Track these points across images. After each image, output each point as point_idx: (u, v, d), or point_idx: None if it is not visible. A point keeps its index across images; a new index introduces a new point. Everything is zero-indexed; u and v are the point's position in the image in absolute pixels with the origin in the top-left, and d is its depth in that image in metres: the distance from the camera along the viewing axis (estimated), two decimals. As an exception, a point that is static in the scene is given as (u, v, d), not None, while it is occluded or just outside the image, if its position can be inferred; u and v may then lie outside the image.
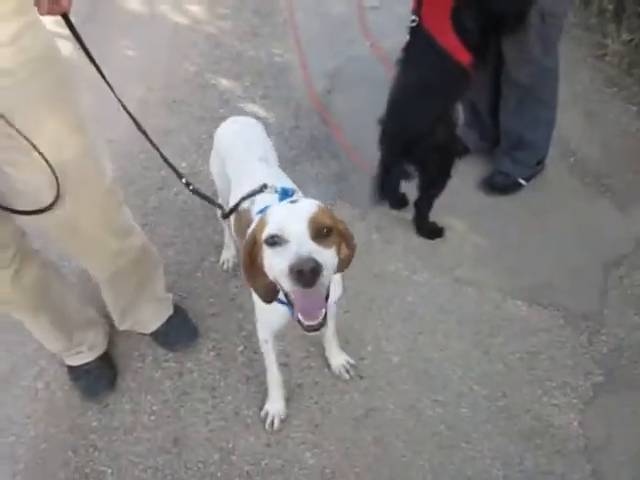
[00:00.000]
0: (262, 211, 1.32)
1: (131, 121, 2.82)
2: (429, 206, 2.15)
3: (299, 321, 1.08)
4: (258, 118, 2.76)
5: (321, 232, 1.06)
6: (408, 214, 2.25)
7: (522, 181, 2.34)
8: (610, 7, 2.98)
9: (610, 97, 2.77)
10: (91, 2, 3.60)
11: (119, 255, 1.55)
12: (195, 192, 1.56)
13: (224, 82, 3.03)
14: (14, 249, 1.43)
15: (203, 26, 3.50)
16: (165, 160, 1.54)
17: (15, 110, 1.14)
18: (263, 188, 1.39)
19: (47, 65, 1.19)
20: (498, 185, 2.35)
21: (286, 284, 1.02)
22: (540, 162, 2.35)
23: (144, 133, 1.47)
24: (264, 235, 1.08)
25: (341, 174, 2.49)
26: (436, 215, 2.22)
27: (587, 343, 1.92)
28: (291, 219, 1.07)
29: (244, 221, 1.44)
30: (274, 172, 1.58)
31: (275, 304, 1.30)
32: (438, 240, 2.22)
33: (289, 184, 1.49)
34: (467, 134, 2.47)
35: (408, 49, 1.86)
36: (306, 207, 1.10)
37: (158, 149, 1.51)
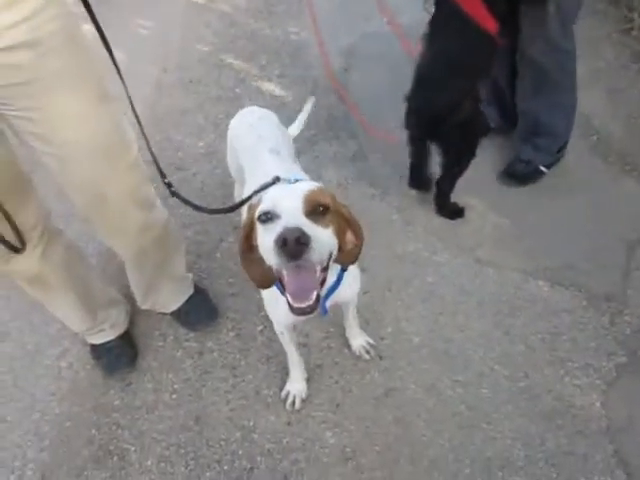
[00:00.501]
0: None
1: (147, 103, 2.84)
2: (452, 185, 2.12)
3: (288, 303, 1.03)
4: (275, 97, 2.77)
5: (316, 209, 1.03)
6: (428, 195, 2.23)
7: (543, 168, 2.27)
8: (636, -20, 2.89)
9: (635, 73, 2.70)
10: (105, -19, 3.56)
11: (144, 231, 1.55)
12: (176, 195, 1.51)
13: (239, 61, 3.00)
14: (41, 228, 1.45)
15: (217, 4, 3.46)
16: (153, 157, 1.49)
17: (40, 82, 1.14)
18: (276, 180, 1.35)
19: (69, 38, 1.18)
20: (519, 174, 2.28)
21: (273, 260, 0.97)
22: (561, 149, 2.28)
23: (137, 117, 1.43)
24: (257, 212, 1.06)
25: (359, 154, 2.47)
26: (456, 195, 2.19)
27: (609, 324, 1.89)
28: (285, 196, 1.05)
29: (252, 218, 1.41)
30: (286, 164, 1.53)
31: (278, 297, 1.28)
32: (459, 220, 2.19)
33: (302, 176, 1.45)
34: (488, 112, 2.42)
35: (433, 22, 1.82)
36: (303, 186, 1.08)
37: (147, 141, 1.48)
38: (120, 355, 1.84)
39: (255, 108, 1.79)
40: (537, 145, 2.23)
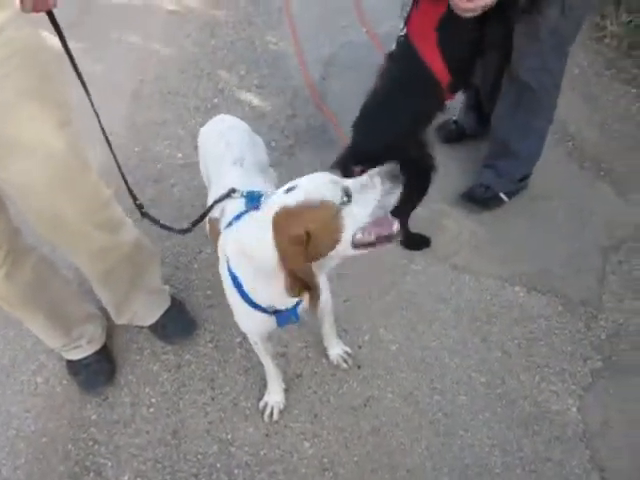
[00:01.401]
0: (231, 224, 1.32)
1: (126, 114, 2.83)
2: (407, 217, 2.06)
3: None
4: (253, 107, 2.78)
5: None
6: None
7: (503, 196, 2.21)
8: (609, -12, 2.94)
9: (609, 80, 2.74)
10: (84, -7, 3.56)
11: (108, 251, 1.55)
12: (146, 215, 1.51)
13: (219, 72, 3.00)
14: (5, 250, 1.43)
15: (198, 15, 3.45)
16: (124, 179, 1.49)
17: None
18: (231, 193, 1.37)
19: (31, 59, 1.17)
20: (478, 198, 2.22)
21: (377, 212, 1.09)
22: (524, 179, 2.23)
23: (107, 139, 1.43)
24: (330, 196, 1.07)
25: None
26: (433, 203, 2.20)
27: (585, 329, 1.91)
28: (327, 180, 1.10)
29: (214, 231, 1.43)
30: (248, 175, 1.49)
31: (253, 312, 1.31)
32: (435, 227, 2.21)
33: (262, 186, 1.42)
34: (465, 117, 2.44)
35: (390, 57, 1.80)
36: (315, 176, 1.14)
37: (117, 162, 1.47)
38: (97, 371, 1.83)
39: (226, 117, 1.75)
40: (499, 171, 2.18)
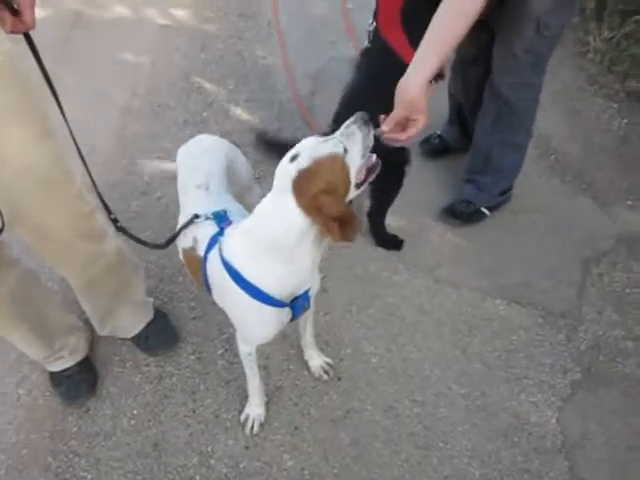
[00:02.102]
0: (212, 245, 1.35)
1: (115, 128, 2.86)
2: (382, 215, 2.12)
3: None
4: (241, 121, 2.81)
5: None
6: (389, 215, 2.27)
7: (485, 210, 2.24)
8: (591, 5, 2.99)
9: (591, 95, 2.78)
10: (76, 9, 3.61)
11: (92, 261, 1.57)
12: (122, 230, 1.53)
13: (208, 85, 3.04)
14: None
15: (188, 30, 3.50)
16: (98, 193, 1.51)
17: None
18: (194, 219, 1.40)
19: (11, 74, 1.20)
20: (459, 213, 2.24)
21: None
22: (504, 193, 2.26)
23: (79, 152, 1.45)
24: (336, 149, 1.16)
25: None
26: (416, 216, 2.23)
27: (565, 340, 1.93)
28: (322, 140, 1.19)
29: (191, 261, 1.45)
30: (213, 199, 1.47)
31: (269, 311, 1.32)
32: (419, 240, 2.23)
33: (229, 207, 1.44)
34: (449, 130, 2.47)
35: (365, 52, 1.85)
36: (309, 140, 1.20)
37: (90, 175, 1.48)
38: (79, 382, 1.83)
39: (204, 138, 1.71)
40: (480, 185, 2.20)
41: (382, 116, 1.37)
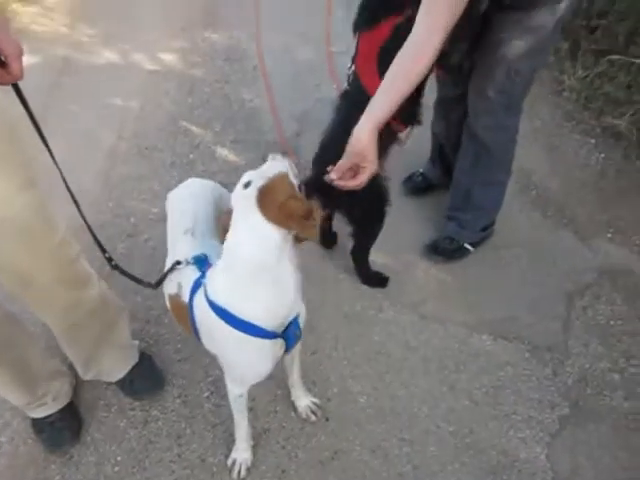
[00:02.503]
0: (195, 290, 1.36)
1: (102, 170, 2.88)
2: (364, 254, 2.14)
3: None
4: (228, 162, 2.85)
5: None
6: (374, 253, 2.29)
7: (469, 246, 2.27)
8: (565, 46, 3.11)
9: (569, 131, 2.86)
10: (64, 55, 3.68)
11: (74, 308, 1.56)
12: (116, 267, 1.55)
13: (195, 128, 3.09)
14: None
15: (176, 74, 3.58)
16: (92, 233, 1.54)
17: None
18: (175, 266, 1.43)
19: None
20: (442, 250, 2.27)
21: None
22: (486, 228, 2.29)
23: (72, 196, 1.48)
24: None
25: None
26: (401, 253, 2.25)
27: (552, 375, 1.94)
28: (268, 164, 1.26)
29: (177, 307, 1.47)
30: (199, 244, 1.49)
31: (262, 344, 1.32)
32: (404, 277, 2.25)
33: (214, 252, 1.43)
34: (431, 168, 2.52)
35: (342, 96, 1.91)
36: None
37: (83, 216, 1.52)
38: (63, 429, 1.80)
39: (193, 182, 1.73)
40: (462, 222, 2.23)
41: (330, 167, 1.42)
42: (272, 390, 1.90)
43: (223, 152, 2.91)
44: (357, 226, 2.02)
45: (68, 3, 4.39)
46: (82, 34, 3.96)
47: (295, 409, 1.84)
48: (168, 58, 3.72)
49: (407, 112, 1.88)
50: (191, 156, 2.89)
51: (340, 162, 1.39)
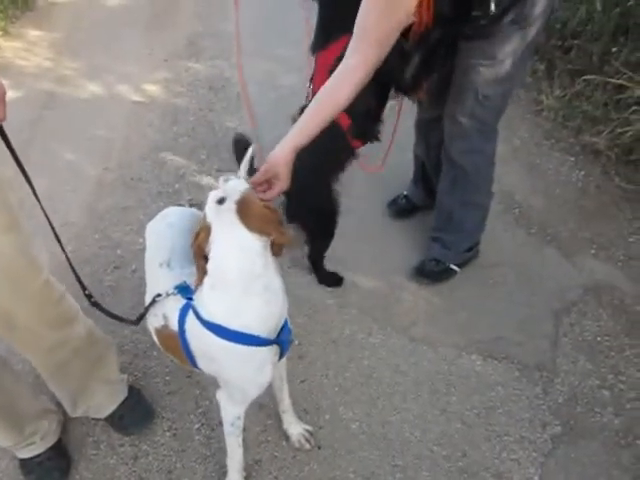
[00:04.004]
0: (184, 316, 1.36)
1: (87, 202, 2.88)
2: (317, 259, 2.27)
3: None
4: (213, 190, 2.86)
5: None
6: (361, 277, 2.30)
7: (455, 267, 2.29)
8: (541, 66, 3.18)
9: (549, 149, 2.91)
10: (48, 89, 3.71)
11: (60, 347, 1.55)
12: (96, 305, 1.55)
13: (180, 157, 3.10)
14: None
15: (160, 104, 3.61)
16: (72, 269, 1.54)
17: None
18: (156, 298, 1.43)
19: None
20: (429, 272, 2.28)
21: None
22: (471, 249, 2.31)
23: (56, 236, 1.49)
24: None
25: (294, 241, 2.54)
26: (389, 275, 2.27)
27: (542, 393, 1.94)
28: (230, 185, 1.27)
29: (164, 339, 1.47)
30: (176, 274, 1.47)
31: (259, 352, 1.33)
32: (392, 300, 2.25)
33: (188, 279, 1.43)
34: (414, 190, 2.55)
35: (300, 111, 1.91)
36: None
37: (65, 251, 1.52)
38: (52, 469, 1.76)
39: (170, 211, 1.71)
40: (446, 243, 2.24)
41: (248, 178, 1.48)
42: (262, 420, 1.88)
43: (209, 181, 2.92)
44: (311, 235, 2.18)
45: (51, 37, 4.43)
46: (65, 67, 3.99)
47: (287, 438, 1.82)
48: (152, 89, 3.75)
49: (362, 129, 1.94)
50: (177, 185, 2.90)
51: (255, 176, 1.43)
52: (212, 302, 1.30)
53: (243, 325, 1.28)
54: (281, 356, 1.46)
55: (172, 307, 1.40)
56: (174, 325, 1.41)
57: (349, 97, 1.48)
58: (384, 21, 1.43)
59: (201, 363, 1.45)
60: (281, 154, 1.44)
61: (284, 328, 1.40)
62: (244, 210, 1.21)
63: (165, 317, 1.44)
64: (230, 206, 1.21)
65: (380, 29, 1.44)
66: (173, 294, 1.39)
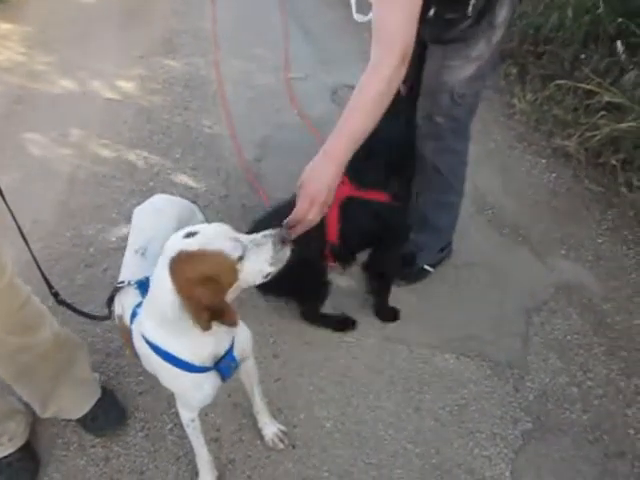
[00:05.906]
0: (134, 316, 1.35)
1: (59, 200, 2.83)
2: (314, 317, 2.18)
3: None
4: (188, 189, 2.84)
5: None
6: (337, 277, 2.31)
7: (428, 267, 2.31)
8: (514, 71, 3.24)
9: (521, 152, 2.97)
10: (20, 84, 3.64)
11: (21, 352, 1.51)
12: (62, 303, 1.52)
13: (154, 155, 3.07)
14: None
15: (135, 101, 3.57)
16: (39, 268, 1.50)
17: None
18: (118, 286, 1.42)
19: None
20: (403, 272, 2.29)
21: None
22: (444, 249, 2.34)
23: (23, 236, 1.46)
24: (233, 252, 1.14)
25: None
26: (362, 275, 2.28)
27: (514, 391, 1.97)
28: (228, 235, 1.17)
29: (125, 330, 1.43)
30: (148, 265, 1.42)
31: (195, 377, 1.31)
32: (365, 300, 2.26)
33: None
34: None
35: None
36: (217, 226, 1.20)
37: (31, 251, 1.49)
38: (20, 470, 1.72)
39: (159, 198, 1.70)
40: (419, 244, 2.26)
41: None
42: (237, 419, 1.87)
43: (183, 179, 2.90)
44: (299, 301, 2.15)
45: (23, 31, 4.35)
46: (38, 62, 3.93)
47: (261, 437, 1.81)
48: (126, 85, 3.71)
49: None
50: (151, 183, 2.87)
51: (294, 214, 1.42)
52: (146, 319, 1.30)
53: (172, 349, 1.28)
54: (224, 379, 1.42)
55: (129, 302, 1.39)
56: (127, 319, 1.40)
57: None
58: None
59: (144, 363, 1.44)
60: (331, 183, 1.44)
61: (227, 356, 1.37)
62: (180, 265, 1.13)
63: (123, 308, 1.42)
64: (175, 249, 1.14)
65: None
66: (133, 287, 1.37)
